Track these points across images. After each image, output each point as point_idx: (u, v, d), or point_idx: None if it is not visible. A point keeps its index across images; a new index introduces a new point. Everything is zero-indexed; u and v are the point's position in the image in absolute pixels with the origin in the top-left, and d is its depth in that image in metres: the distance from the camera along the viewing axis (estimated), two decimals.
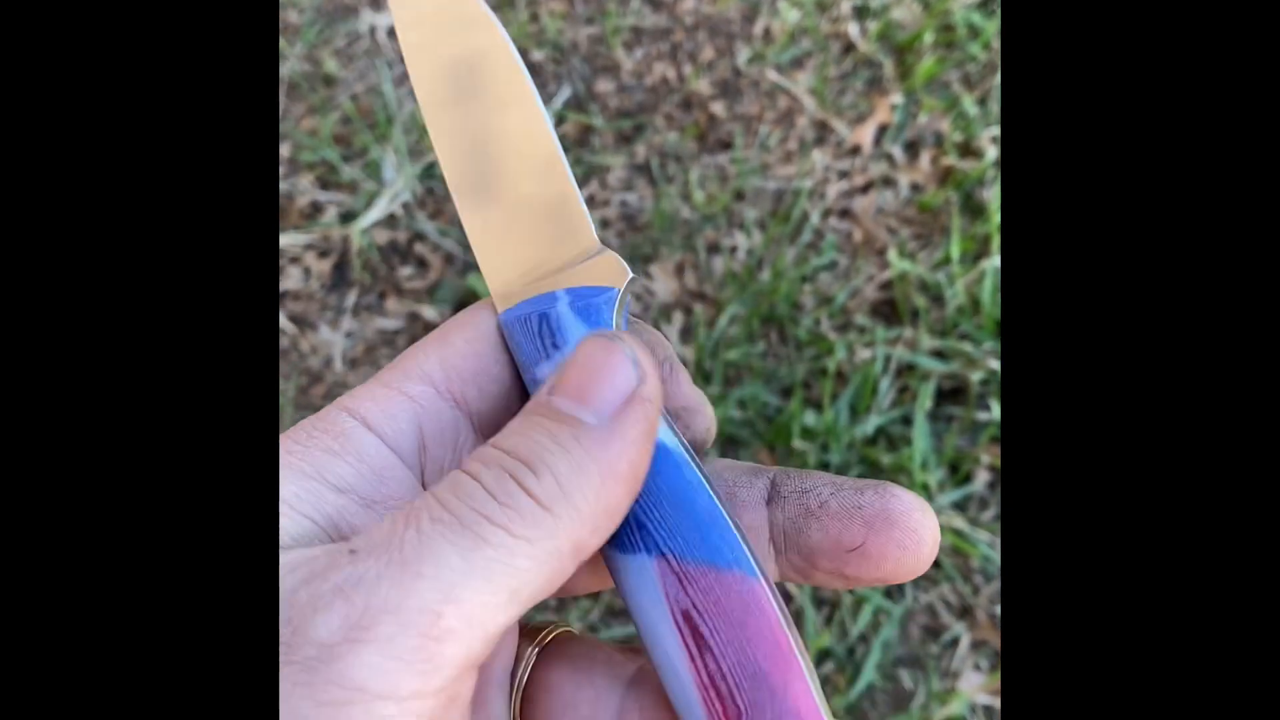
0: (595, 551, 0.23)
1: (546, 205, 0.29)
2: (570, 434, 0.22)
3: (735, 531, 0.25)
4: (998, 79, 1.12)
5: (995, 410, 0.94)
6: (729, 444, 0.95)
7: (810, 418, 0.95)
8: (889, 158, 1.10)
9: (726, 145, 1.11)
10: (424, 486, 0.26)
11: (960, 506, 0.93)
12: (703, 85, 1.15)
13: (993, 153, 1.07)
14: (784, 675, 0.23)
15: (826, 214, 1.07)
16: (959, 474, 0.93)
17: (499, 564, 0.20)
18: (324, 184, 1.11)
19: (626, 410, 0.23)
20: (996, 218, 1.02)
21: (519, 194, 0.29)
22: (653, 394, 0.24)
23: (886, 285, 1.02)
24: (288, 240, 1.07)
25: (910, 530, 0.25)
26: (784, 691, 0.23)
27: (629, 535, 0.25)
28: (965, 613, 0.90)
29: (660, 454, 0.25)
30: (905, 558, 0.25)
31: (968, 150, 1.09)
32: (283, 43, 1.19)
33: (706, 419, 0.28)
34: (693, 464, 0.25)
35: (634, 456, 0.23)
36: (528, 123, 0.29)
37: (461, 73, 0.29)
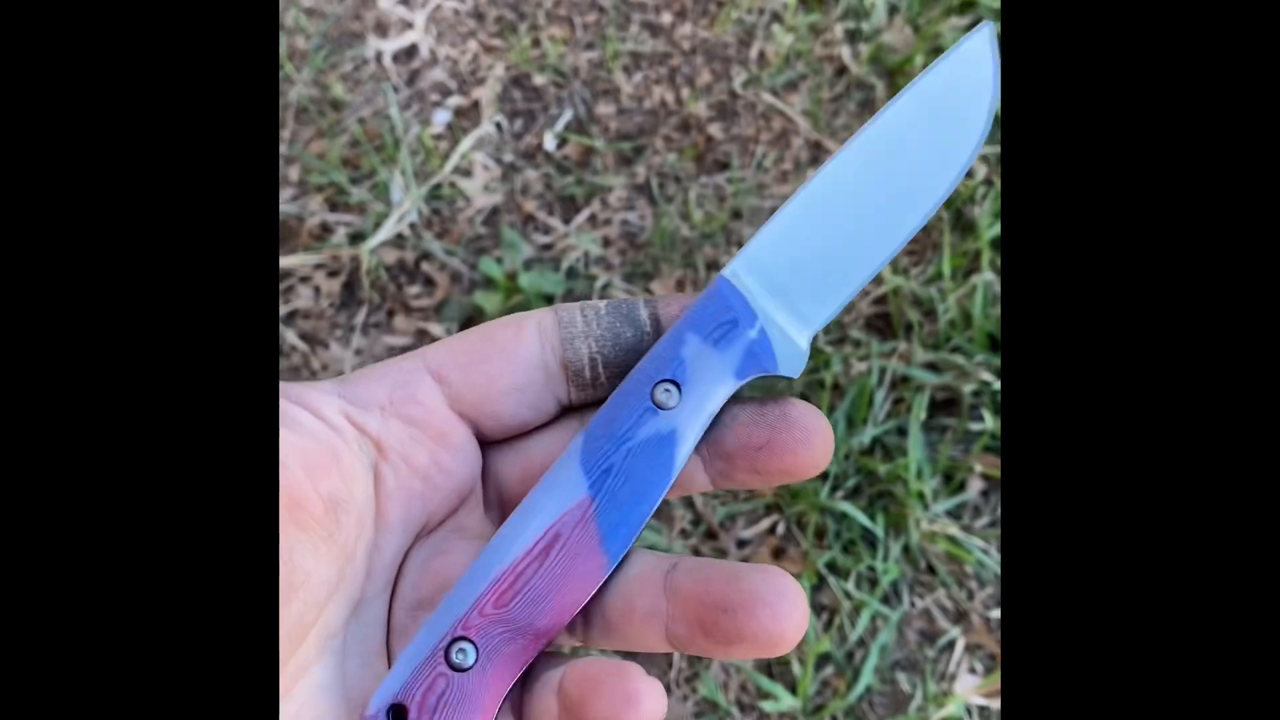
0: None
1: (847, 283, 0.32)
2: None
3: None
4: None
5: (988, 420, 0.97)
6: None
7: None
8: None
9: (724, 166, 1.15)
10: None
11: (955, 514, 0.96)
12: (700, 108, 1.18)
13: (981, 171, 1.10)
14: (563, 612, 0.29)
15: None
16: (953, 483, 0.96)
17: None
18: (333, 206, 1.14)
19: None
20: (986, 234, 1.05)
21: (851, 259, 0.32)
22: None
23: (880, 300, 1.05)
24: (298, 260, 1.10)
25: (805, 428, 0.30)
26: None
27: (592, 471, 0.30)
28: (961, 617, 0.92)
29: (666, 458, 0.30)
30: (802, 451, 0.30)
31: None
32: (290, 68, 1.22)
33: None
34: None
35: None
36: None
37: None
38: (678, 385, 0.30)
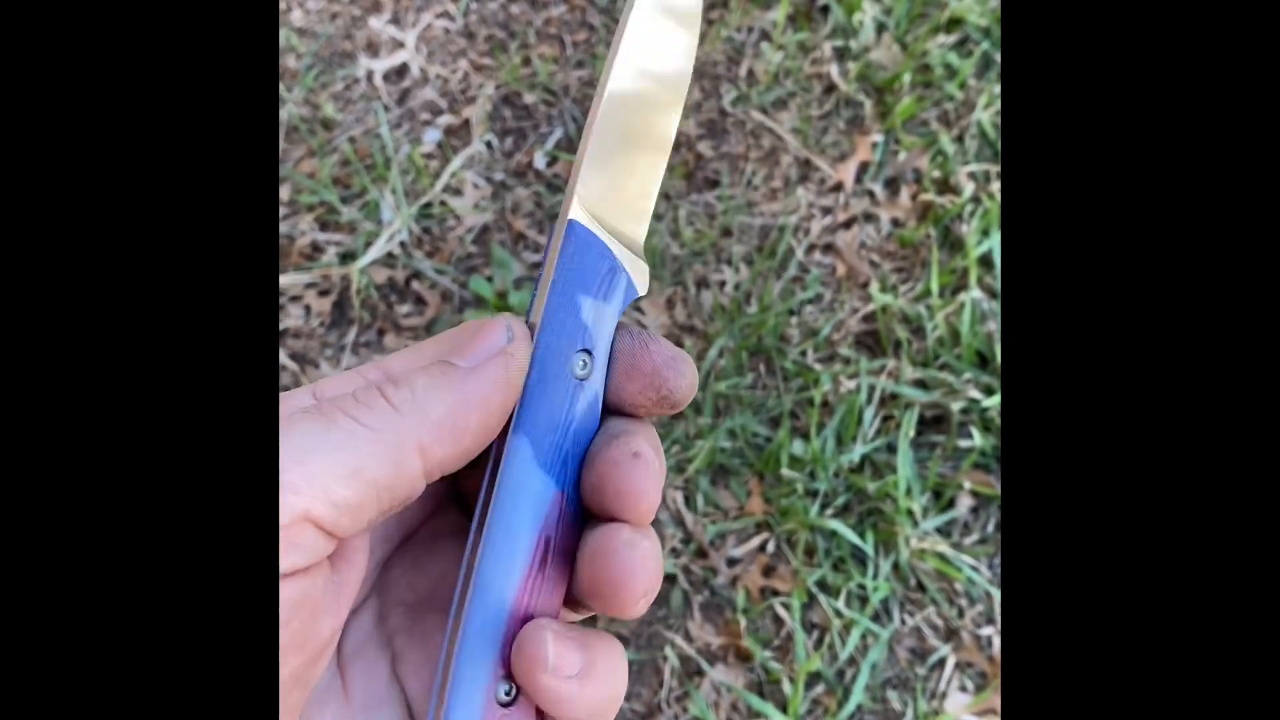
0: (446, 464, 0.28)
1: (641, 186, 0.33)
2: (440, 369, 0.28)
3: None
4: (974, 117, 1.16)
5: (976, 437, 0.97)
6: (720, 472, 0.98)
7: (798, 447, 0.98)
8: (870, 194, 1.14)
9: (714, 183, 1.15)
10: None
11: (944, 531, 0.96)
12: (690, 125, 1.19)
13: (970, 188, 1.11)
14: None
15: (811, 249, 1.11)
16: (942, 500, 0.96)
17: (345, 441, 0.25)
18: (324, 225, 1.14)
19: (492, 359, 0.28)
20: (974, 252, 1.06)
21: (636, 162, 0.33)
22: (518, 351, 0.29)
23: (869, 318, 1.06)
24: (289, 280, 1.10)
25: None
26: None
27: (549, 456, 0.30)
28: (951, 635, 0.92)
29: (594, 419, 0.31)
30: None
31: (946, 186, 1.13)
32: (281, 87, 1.22)
33: (688, 375, 0.32)
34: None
35: (488, 390, 0.28)
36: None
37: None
38: (589, 353, 0.31)
